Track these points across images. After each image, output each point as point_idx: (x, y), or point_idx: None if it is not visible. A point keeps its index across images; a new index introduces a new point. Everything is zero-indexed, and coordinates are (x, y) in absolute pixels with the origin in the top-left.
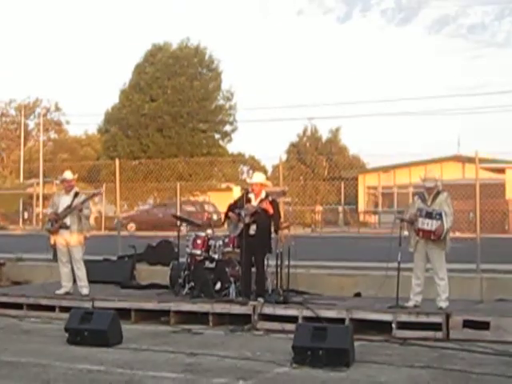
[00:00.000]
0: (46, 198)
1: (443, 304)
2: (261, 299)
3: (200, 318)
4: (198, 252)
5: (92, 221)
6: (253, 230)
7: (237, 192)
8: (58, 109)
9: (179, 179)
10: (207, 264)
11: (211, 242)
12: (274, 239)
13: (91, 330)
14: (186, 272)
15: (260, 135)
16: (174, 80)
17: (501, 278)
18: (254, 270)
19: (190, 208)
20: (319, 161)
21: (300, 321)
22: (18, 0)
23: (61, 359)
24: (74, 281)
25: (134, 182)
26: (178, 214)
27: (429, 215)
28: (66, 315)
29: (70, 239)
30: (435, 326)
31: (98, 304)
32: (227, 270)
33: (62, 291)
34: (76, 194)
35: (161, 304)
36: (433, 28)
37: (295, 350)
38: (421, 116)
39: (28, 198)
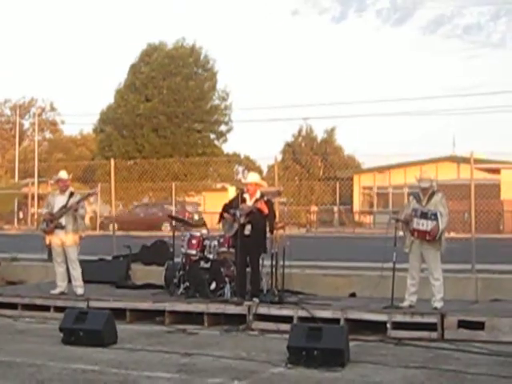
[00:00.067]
0: (41, 197)
1: (438, 304)
2: (256, 299)
3: (195, 318)
4: (193, 252)
5: (87, 221)
6: (248, 230)
7: (232, 192)
8: (53, 108)
9: (174, 179)
10: (202, 264)
11: (206, 242)
12: (269, 239)
13: (86, 330)
14: (180, 272)
15: (255, 135)
16: (169, 80)
17: (496, 278)
18: (248, 270)
19: (171, 207)
20: (314, 161)
21: (295, 321)
22: (13, 1)
23: (55, 359)
24: (69, 281)
25: (129, 181)
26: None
27: (424, 215)
28: (60, 315)
29: (65, 239)
30: (430, 327)
31: (92, 304)
32: (222, 270)
33: (56, 291)
34: (71, 194)
35: (156, 304)
36: (428, 28)
37: (290, 350)
38: (416, 116)
39: (23, 197)
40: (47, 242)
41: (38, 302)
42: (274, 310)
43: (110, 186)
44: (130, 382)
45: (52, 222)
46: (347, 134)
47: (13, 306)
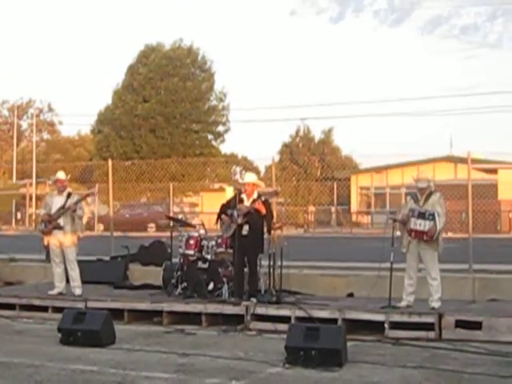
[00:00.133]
0: (38, 198)
1: (436, 304)
2: (253, 299)
3: (193, 318)
4: (191, 252)
5: (84, 221)
6: (245, 230)
7: (230, 192)
8: (50, 109)
9: (172, 180)
10: (200, 264)
11: (204, 243)
12: (266, 240)
13: (84, 331)
14: (178, 272)
15: (253, 136)
16: (166, 81)
17: (493, 278)
18: (246, 270)
19: (157, 208)
20: (312, 161)
21: (293, 321)
22: (10, 1)
23: (54, 360)
24: (67, 281)
25: (126, 182)
26: (171, 214)
27: (421, 215)
28: (58, 315)
29: (63, 240)
30: (428, 326)
31: (90, 304)
32: (220, 270)
33: (54, 292)
34: (69, 195)
35: (154, 304)
36: (425, 29)
37: (288, 350)
38: (413, 116)
39: (21, 198)
40: (45, 242)
41: (36, 302)
42: (272, 310)
43: (108, 186)
44: (128, 383)
45: (50, 223)
46: (345, 135)
47: (11, 307)
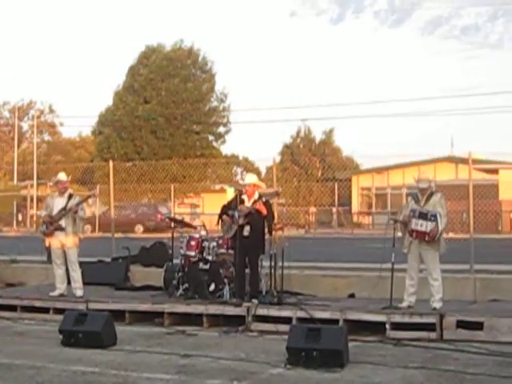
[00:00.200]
0: (39, 199)
1: (437, 304)
2: (255, 300)
3: (194, 319)
4: (192, 253)
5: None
6: (246, 231)
7: (231, 193)
8: (51, 111)
9: (173, 181)
10: (201, 265)
11: (205, 244)
12: (267, 240)
13: (85, 332)
14: (180, 273)
15: (254, 137)
16: (167, 82)
17: (494, 278)
18: (247, 271)
19: (144, 209)
20: (313, 162)
21: (294, 322)
22: (11, 3)
23: (55, 361)
24: (68, 282)
25: (127, 183)
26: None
27: (422, 216)
28: (60, 317)
29: (65, 241)
30: (429, 327)
31: (92, 306)
32: (221, 271)
33: (56, 293)
34: (70, 196)
35: (155, 305)
36: (426, 29)
37: (289, 351)
38: (414, 117)
39: (22, 199)
40: (47, 244)
41: (38, 304)
42: (273, 311)
43: (109, 187)
44: None
45: (51, 224)
46: (345, 135)
47: (12, 308)
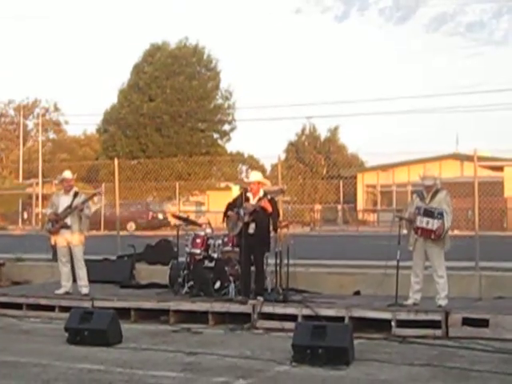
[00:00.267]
0: (45, 198)
1: (442, 302)
2: (260, 298)
3: (199, 317)
4: (198, 251)
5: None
6: (252, 228)
7: (236, 191)
8: (56, 109)
9: (178, 179)
10: (206, 263)
11: (210, 241)
12: (272, 238)
13: (91, 330)
14: (185, 271)
15: (259, 134)
16: (172, 79)
17: (499, 275)
18: (253, 268)
19: (137, 206)
20: (318, 159)
21: (299, 319)
22: (16, 1)
23: (61, 359)
24: (74, 280)
25: (132, 181)
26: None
27: (428, 213)
28: (65, 315)
29: (71, 239)
30: (434, 324)
31: (97, 304)
32: (226, 268)
33: (61, 291)
34: (75, 194)
35: (160, 303)
36: (431, 26)
37: (295, 349)
38: (419, 114)
39: (27, 198)
40: (52, 242)
41: (43, 301)
42: (279, 309)
43: (114, 185)
44: (135, 382)
45: (57, 222)
46: (350, 133)
47: (18, 306)
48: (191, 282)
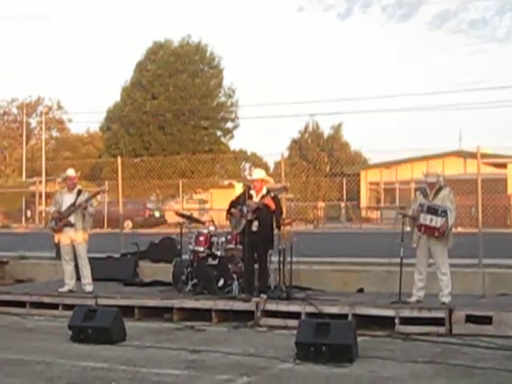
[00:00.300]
0: (48, 196)
1: (446, 299)
2: (264, 296)
3: (203, 314)
4: (201, 249)
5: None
6: (255, 226)
7: (239, 189)
8: (59, 107)
9: (181, 176)
10: (210, 261)
11: (214, 239)
12: (276, 235)
13: (95, 328)
14: (188, 269)
15: (262, 132)
16: (175, 77)
17: (503, 272)
18: (256, 266)
19: (133, 205)
20: (321, 157)
21: (303, 317)
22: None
23: (64, 357)
24: (77, 278)
25: (136, 179)
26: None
27: (431, 211)
28: (69, 313)
29: (75, 237)
30: (438, 321)
31: (101, 301)
32: (230, 266)
33: (65, 289)
34: (79, 192)
35: (164, 301)
36: (433, 23)
37: (298, 346)
38: (422, 111)
39: (30, 196)
40: (56, 240)
41: (47, 300)
42: (282, 306)
43: (117, 183)
44: (138, 379)
45: (61, 221)
46: (354, 130)
47: (21, 304)
48: (195, 280)
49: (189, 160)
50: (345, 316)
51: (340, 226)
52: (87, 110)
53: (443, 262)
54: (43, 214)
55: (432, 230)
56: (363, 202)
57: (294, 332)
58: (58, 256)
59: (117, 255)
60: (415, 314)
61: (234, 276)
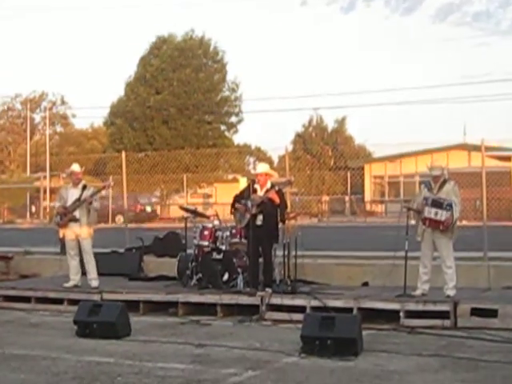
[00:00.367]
0: (53, 191)
1: (451, 292)
2: (268, 289)
3: (208, 309)
4: (206, 243)
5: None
6: (260, 220)
7: (243, 183)
8: (63, 102)
9: (185, 171)
10: (215, 255)
11: (218, 233)
12: (280, 229)
13: (100, 323)
14: (193, 263)
15: (266, 126)
16: (179, 72)
17: (508, 265)
18: (261, 260)
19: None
20: (325, 151)
21: (308, 311)
22: None
23: (70, 352)
24: (82, 273)
25: (140, 174)
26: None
27: (436, 204)
28: (74, 308)
29: (80, 232)
30: (443, 315)
31: (106, 296)
32: (235, 260)
33: (70, 284)
34: (84, 187)
35: (169, 295)
36: (437, 17)
37: (303, 340)
38: (426, 105)
39: (35, 191)
40: (61, 235)
41: (52, 295)
42: (287, 300)
43: (122, 178)
44: (144, 374)
45: (66, 216)
46: (358, 124)
47: (26, 300)
48: (199, 274)
49: (193, 154)
50: (350, 310)
51: (344, 219)
52: (91, 105)
53: (448, 255)
54: (48, 210)
55: (437, 223)
56: (367, 196)
57: (299, 326)
58: (63, 251)
59: (121, 250)
60: (420, 307)
61: (239, 270)
